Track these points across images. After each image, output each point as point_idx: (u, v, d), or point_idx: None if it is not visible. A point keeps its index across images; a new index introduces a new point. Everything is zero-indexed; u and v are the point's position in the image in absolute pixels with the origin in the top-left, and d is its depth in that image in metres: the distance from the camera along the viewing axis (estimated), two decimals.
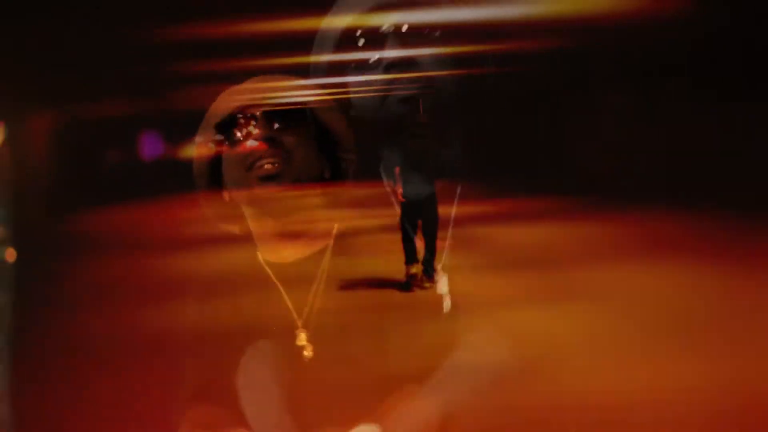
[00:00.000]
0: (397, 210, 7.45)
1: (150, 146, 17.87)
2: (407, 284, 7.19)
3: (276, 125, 1.18)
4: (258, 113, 1.19)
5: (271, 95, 1.18)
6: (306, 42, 10.84)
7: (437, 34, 12.54)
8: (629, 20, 10.41)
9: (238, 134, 1.17)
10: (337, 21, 9.27)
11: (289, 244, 1.21)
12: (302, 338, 1.18)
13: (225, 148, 1.16)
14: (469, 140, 15.99)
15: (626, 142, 13.81)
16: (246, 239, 1.28)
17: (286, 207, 1.18)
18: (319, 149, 1.22)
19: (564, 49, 13.36)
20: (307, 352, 1.18)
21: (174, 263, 8.93)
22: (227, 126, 1.19)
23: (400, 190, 7.23)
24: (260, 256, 1.25)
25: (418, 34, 12.02)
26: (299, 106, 1.20)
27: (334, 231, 1.23)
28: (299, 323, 1.19)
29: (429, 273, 7.12)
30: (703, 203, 10.73)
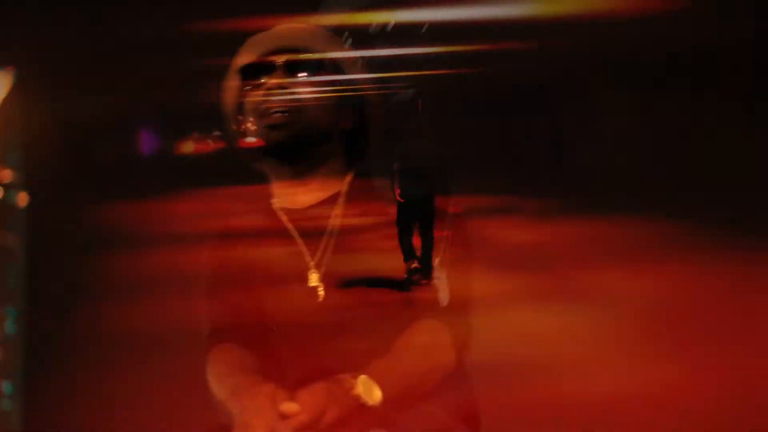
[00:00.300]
0: (394, 208, 7.51)
1: (150, 141, 17.90)
2: (407, 281, 7.23)
3: (293, 75, 1.19)
4: (279, 61, 1.21)
5: (293, 44, 1.20)
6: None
7: (425, 31, 12.55)
8: (629, 19, 10.43)
9: (258, 81, 1.20)
10: (329, 19, 9.29)
11: (303, 190, 1.23)
12: (314, 279, 1.21)
13: (246, 94, 1.19)
14: (466, 139, 16.02)
15: (626, 142, 13.83)
16: (262, 189, 1.30)
17: (299, 154, 1.20)
18: (339, 100, 1.23)
19: (564, 48, 13.38)
20: (320, 293, 1.20)
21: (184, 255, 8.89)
22: (250, 72, 1.21)
23: (397, 189, 7.27)
24: (275, 203, 1.27)
25: (414, 32, 12.03)
26: (319, 57, 1.22)
27: (348, 177, 1.25)
28: (311, 265, 1.21)
29: (427, 271, 7.17)
30: (703, 204, 10.75)
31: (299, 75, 1.20)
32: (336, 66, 1.25)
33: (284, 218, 1.25)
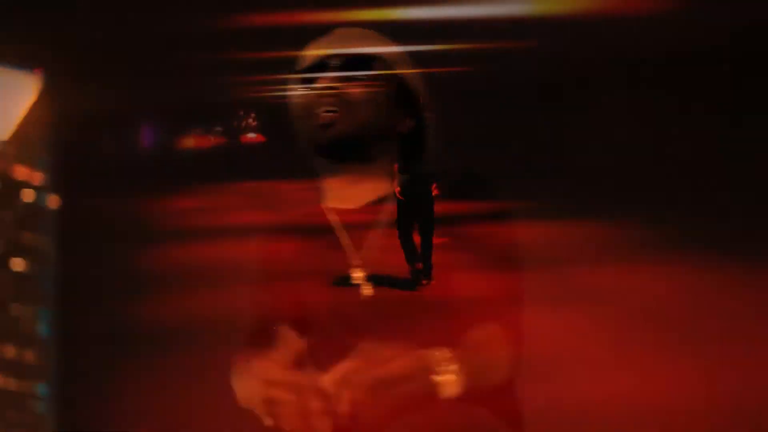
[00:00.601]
0: (395, 206, 7.53)
1: (149, 136, 17.88)
2: (413, 282, 7.24)
3: (346, 76, 1.21)
4: (333, 63, 1.22)
5: (349, 47, 1.22)
6: (314, 36, 10.86)
7: (426, 29, 12.54)
8: (629, 18, 10.44)
9: (313, 83, 1.21)
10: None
11: (354, 190, 1.24)
12: (358, 276, 1.21)
13: (304, 96, 1.20)
14: (466, 137, 16.02)
15: (625, 142, 13.84)
16: (313, 189, 1.31)
17: (351, 154, 1.21)
18: (395, 104, 1.24)
19: (565, 47, 13.39)
20: (366, 291, 1.21)
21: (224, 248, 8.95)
22: (306, 73, 1.22)
23: (397, 189, 7.28)
24: (326, 201, 1.28)
25: (416, 30, 12.04)
26: (373, 60, 1.23)
27: (401, 179, 1.26)
28: (356, 262, 1.22)
29: (428, 271, 7.19)
30: (702, 205, 10.78)
31: (352, 75, 1.21)
32: (390, 67, 1.25)
33: (333, 216, 1.26)
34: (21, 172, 1.35)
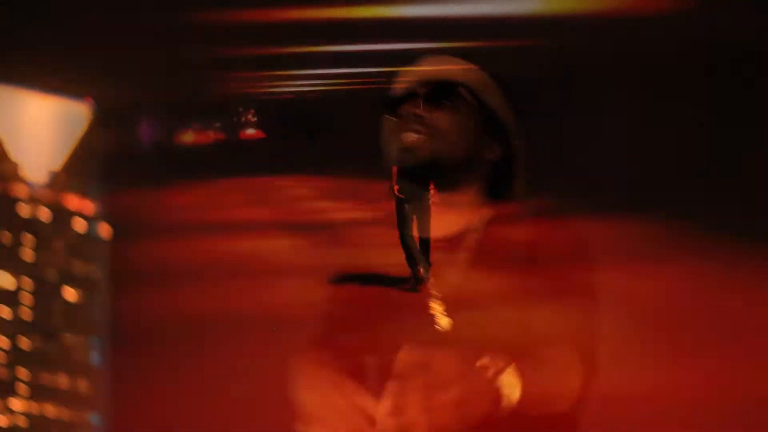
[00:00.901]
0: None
1: (150, 132, 17.94)
2: (415, 283, 7.25)
3: (431, 103, 1.22)
4: (421, 91, 1.23)
5: (435, 75, 1.23)
6: (312, 31, 10.79)
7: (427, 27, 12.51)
8: (630, 18, 10.43)
9: (401, 110, 1.23)
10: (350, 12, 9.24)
11: (437, 219, 1.24)
12: (437, 308, 1.21)
13: (393, 123, 1.22)
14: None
15: (625, 142, 13.86)
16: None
17: (434, 181, 1.22)
18: (483, 132, 1.25)
19: (566, 46, 13.38)
20: (443, 322, 1.21)
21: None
22: (395, 102, 1.24)
23: (395, 187, 7.27)
24: (409, 230, 1.28)
25: (420, 27, 11.99)
26: (461, 87, 1.24)
27: (487, 211, 1.26)
28: (435, 293, 1.22)
29: (425, 270, 7.19)
30: (702, 205, 10.80)
31: (438, 104, 1.22)
32: (478, 94, 1.26)
33: (414, 245, 1.27)
34: (73, 201, 1.36)
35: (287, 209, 14.87)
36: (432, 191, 1.22)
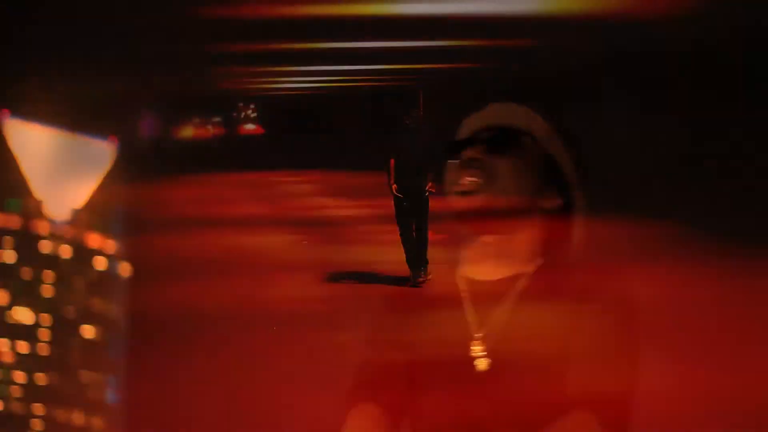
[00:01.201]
0: (393, 204, 7.52)
1: (148, 126, 17.90)
2: (413, 278, 7.28)
3: (493, 149, 1.24)
4: (484, 136, 1.26)
5: (499, 121, 1.26)
6: (313, 29, 10.77)
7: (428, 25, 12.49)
8: (632, 18, 10.46)
9: (464, 154, 1.27)
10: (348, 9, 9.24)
11: (491, 262, 1.27)
12: (478, 350, 1.24)
13: (455, 165, 1.26)
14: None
15: (626, 141, 13.89)
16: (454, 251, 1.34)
17: (491, 226, 1.24)
18: (541, 180, 1.27)
19: (567, 46, 13.39)
20: (482, 365, 1.23)
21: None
22: (461, 146, 1.27)
23: (394, 185, 7.26)
24: (461, 270, 1.31)
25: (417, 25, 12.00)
26: (523, 135, 1.26)
27: (539, 259, 1.28)
28: (477, 334, 1.24)
29: (423, 267, 7.20)
30: (703, 204, 10.84)
31: (500, 151, 1.24)
32: (540, 144, 1.28)
33: (463, 285, 1.30)
34: (94, 239, 1.36)
35: (286, 205, 14.91)
36: (486, 234, 1.25)
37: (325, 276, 7.64)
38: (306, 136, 28.21)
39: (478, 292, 1.26)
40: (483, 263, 1.27)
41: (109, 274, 1.37)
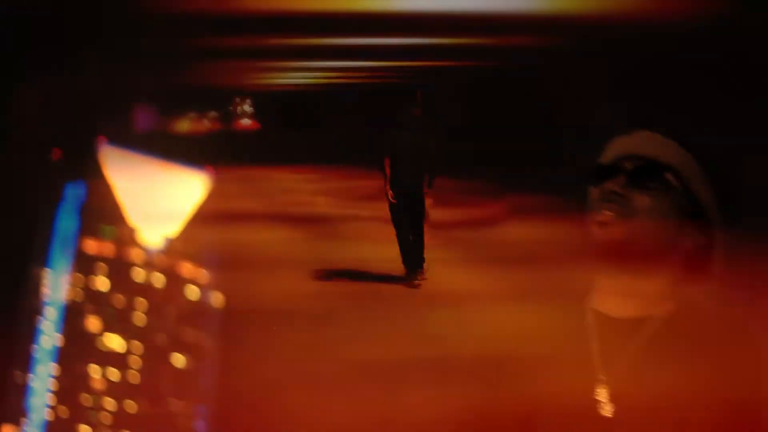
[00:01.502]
0: (389, 205, 7.47)
1: (144, 119, 17.78)
2: (409, 277, 7.20)
3: (634, 182, 1.19)
4: (626, 168, 1.21)
5: (643, 153, 1.20)
6: (312, 24, 10.71)
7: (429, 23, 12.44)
8: (631, 17, 10.44)
9: (606, 185, 1.20)
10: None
11: (626, 299, 1.21)
12: (603, 394, 1.19)
13: (594, 195, 1.20)
14: (463, 135, 16.00)
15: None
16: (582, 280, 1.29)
17: (628, 261, 1.18)
18: (683, 218, 1.21)
19: (564, 46, 13.38)
20: (606, 410, 1.18)
21: None
22: (602, 175, 1.21)
23: (390, 192, 7.18)
24: (593, 303, 1.25)
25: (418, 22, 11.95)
26: (667, 170, 1.21)
27: (677, 300, 1.22)
28: (602, 377, 1.19)
29: (419, 267, 7.14)
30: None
31: (641, 185, 1.19)
32: (684, 180, 1.22)
33: (592, 321, 1.23)
34: (187, 269, 1.36)
35: (281, 201, 14.84)
36: (622, 270, 1.18)
37: (319, 273, 7.59)
38: (303, 132, 28.10)
39: (607, 328, 1.21)
40: (616, 299, 1.22)
41: (202, 304, 1.37)
